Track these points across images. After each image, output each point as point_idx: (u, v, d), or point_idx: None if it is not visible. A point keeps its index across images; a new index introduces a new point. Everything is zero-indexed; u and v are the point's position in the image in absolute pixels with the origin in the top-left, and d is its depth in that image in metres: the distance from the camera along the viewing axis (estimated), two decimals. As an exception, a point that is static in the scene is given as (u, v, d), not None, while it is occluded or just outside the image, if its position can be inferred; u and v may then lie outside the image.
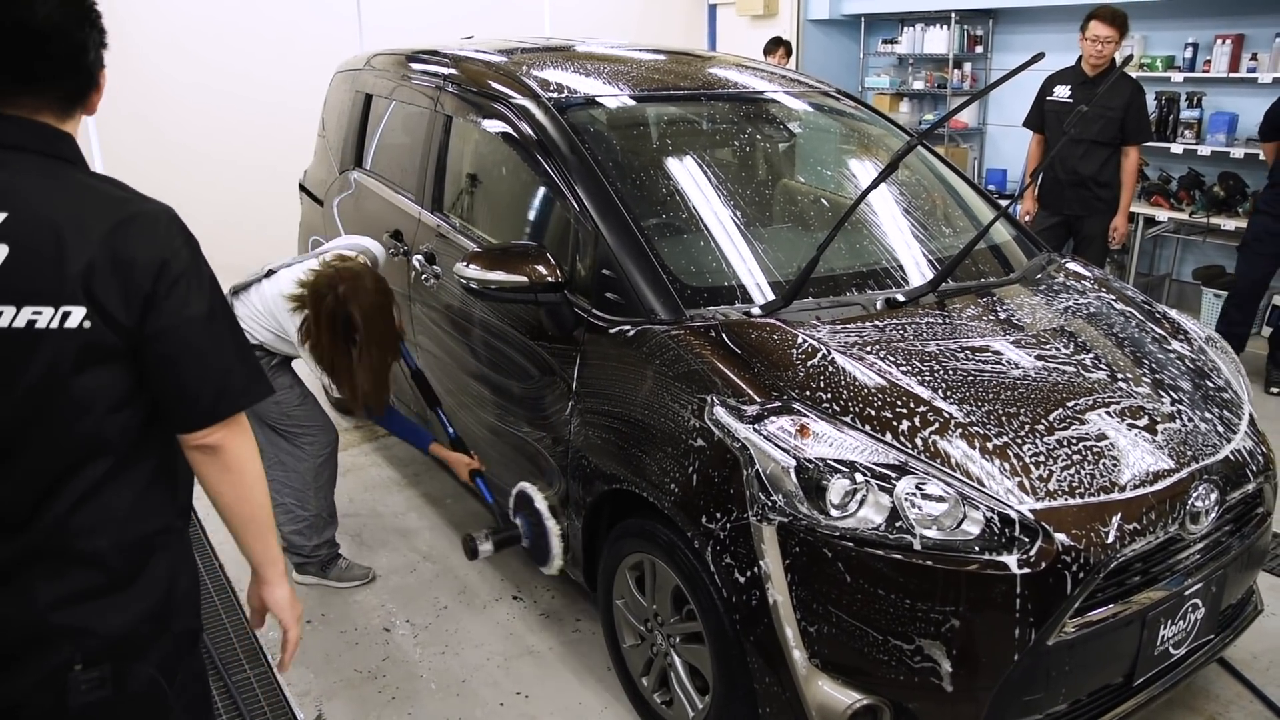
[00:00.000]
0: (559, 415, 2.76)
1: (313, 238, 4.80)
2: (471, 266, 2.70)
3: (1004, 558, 2.02)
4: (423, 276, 3.48)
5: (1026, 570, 2.01)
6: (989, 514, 2.06)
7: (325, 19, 7.36)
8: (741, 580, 2.16)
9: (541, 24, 8.49)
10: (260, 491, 1.59)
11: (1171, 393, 2.48)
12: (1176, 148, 6.30)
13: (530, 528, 2.94)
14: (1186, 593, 2.28)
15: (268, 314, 3.04)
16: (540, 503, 2.88)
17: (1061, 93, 5.33)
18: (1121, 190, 5.26)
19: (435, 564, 3.59)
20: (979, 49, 7.93)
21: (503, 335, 3.03)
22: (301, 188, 5.07)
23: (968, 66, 8.06)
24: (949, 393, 2.28)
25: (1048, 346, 2.55)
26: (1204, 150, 6.14)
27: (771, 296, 2.61)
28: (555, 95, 3.11)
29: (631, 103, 3.24)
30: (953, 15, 7.77)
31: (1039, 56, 2.49)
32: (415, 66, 3.94)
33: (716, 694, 2.36)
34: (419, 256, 3.51)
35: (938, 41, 8.03)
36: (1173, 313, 3.04)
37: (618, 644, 2.77)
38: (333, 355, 2.93)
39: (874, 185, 2.59)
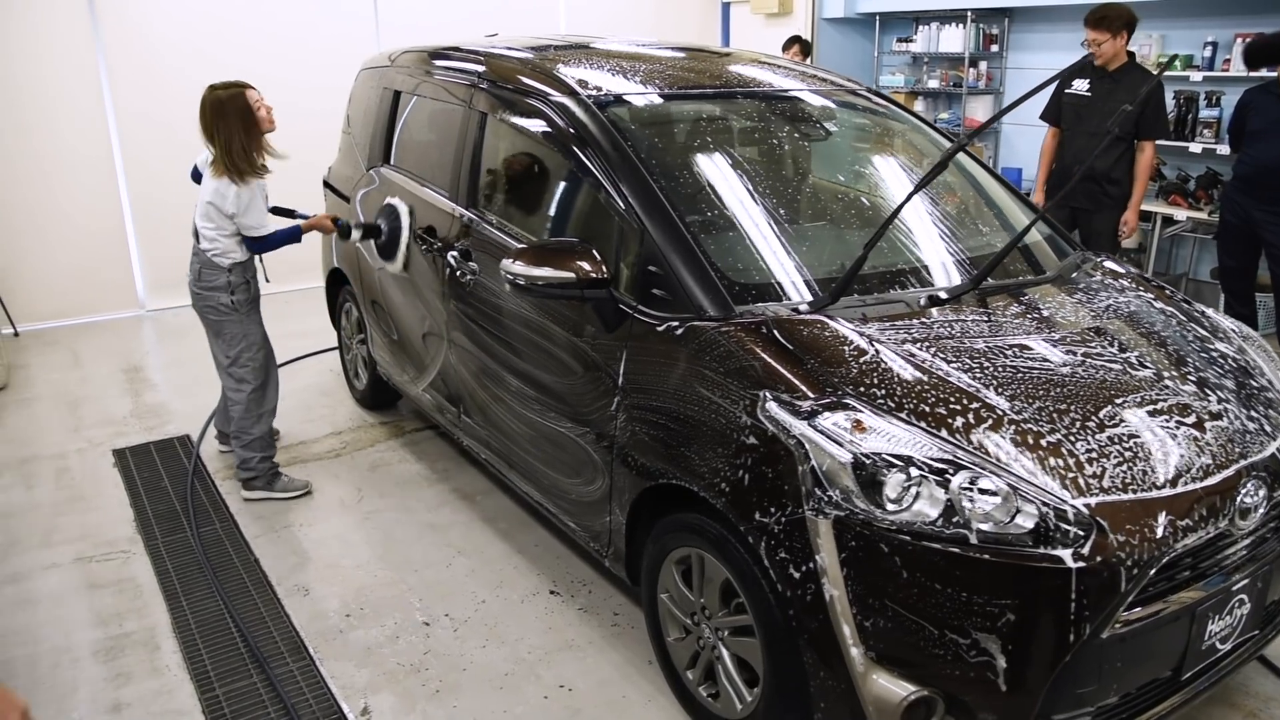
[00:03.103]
0: (603, 411, 2.78)
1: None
2: (518, 263, 2.73)
3: (1059, 552, 2.04)
4: (458, 273, 3.50)
5: (1081, 564, 2.03)
6: (1043, 509, 2.07)
7: (342, 18, 7.37)
8: (796, 575, 2.18)
9: (556, 21, 8.50)
10: None
11: (1217, 391, 2.50)
12: (1195, 147, 6.32)
13: (390, 232, 3.96)
14: (1234, 588, 2.30)
15: (213, 220, 3.79)
16: (404, 214, 3.90)
17: (1080, 86, 5.34)
18: (1135, 184, 5.29)
19: (470, 558, 3.61)
20: (994, 48, 7.95)
21: (545, 332, 3.05)
22: (326, 184, 5.09)
23: (983, 65, 8.07)
24: (1000, 389, 2.30)
25: (1093, 345, 2.57)
26: (1223, 149, 6.15)
27: (816, 294, 2.63)
28: (595, 93, 3.13)
29: (671, 100, 3.26)
30: (968, 14, 7.79)
31: (1088, 59, 2.51)
32: (447, 64, 3.96)
33: (767, 686, 2.38)
34: (454, 253, 3.53)
35: (953, 40, 8.05)
36: (1210, 311, 3.06)
37: (661, 637, 2.80)
38: (242, 140, 3.74)
39: (921, 185, 2.61)
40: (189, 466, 4.40)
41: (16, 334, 6.40)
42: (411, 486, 4.21)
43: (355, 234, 4.08)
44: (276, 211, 4.16)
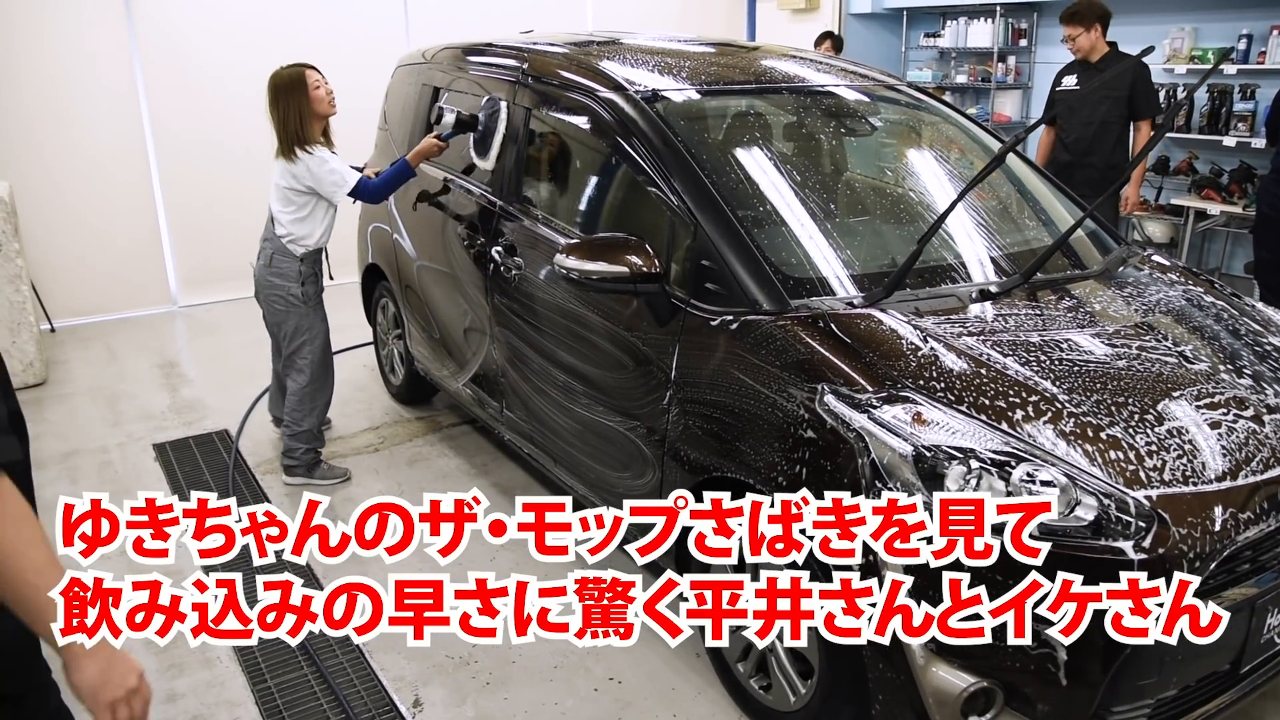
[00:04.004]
0: (655, 405, 2.79)
1: (372, 225, 4.86)
2: (570, 258, 2.74)
3: (1120, 544, 2.04)
4: (503, 268, 3.52)
5: (1143, 556, 2.04)
6: (1104, 501, 2.08)
7: (373, 22, 7.42)
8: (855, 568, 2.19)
9: (583, 18, 8.52)
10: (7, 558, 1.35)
11: (1273, 385, 2.49)
12: (1229, 140, 6.28)
13: (488, 122, 3.78)
14: (1292, 582, 2.30)
15: (292, 202, 3.86)
16: (504, 108, 3.70)
17: (1069, 82, 5.56)
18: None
19: (513, 553, 3.63)
20: (1023, 42, 7.92)
21: (593, 326, 3.06)
22: (362, 181, 5.12)
23: (1011, 60, 8.04)
24: (1058, 382, 2.30)
25: (1146, 339, 2.57)
26: (1258, 143, 6.11)
27: (868, 288, 2.64)
28: (643, 88, 3.14)
29: (718, 96, 3.27)
30: (997, 8, 7.76)
31: (1148, 50, 2.51)
32: (488, 60, 3.98)
33: (822, 678, 2.39)
34: (498, 248, 3.55)
35: (981, 35, 8.03)
36: (1261, 305, 3.05)
37: (711, 630, 2.80)
38: (296, 116, 3.77)
39: (975, 182, 2.62)
40: (229, 461, 4.44)
41: (53, 330, 6.47)
42: (451, 481, 4.24)
43: (449, 117, 3.87)
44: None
